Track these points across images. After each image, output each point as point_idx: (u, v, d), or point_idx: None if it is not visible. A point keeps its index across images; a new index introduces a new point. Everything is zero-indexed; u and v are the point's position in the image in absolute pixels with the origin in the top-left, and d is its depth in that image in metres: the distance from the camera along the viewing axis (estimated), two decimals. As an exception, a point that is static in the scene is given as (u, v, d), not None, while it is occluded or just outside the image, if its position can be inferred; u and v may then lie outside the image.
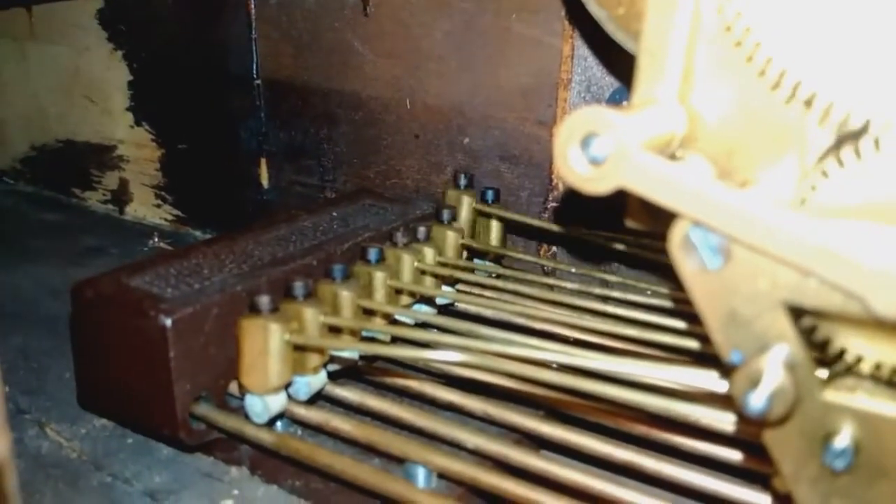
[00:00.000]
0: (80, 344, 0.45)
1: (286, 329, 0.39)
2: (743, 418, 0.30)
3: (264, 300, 0.39)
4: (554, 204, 0.59)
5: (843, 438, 0.28)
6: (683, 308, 0.43)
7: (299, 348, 0.40)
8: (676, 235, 0.29)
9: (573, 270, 0.51)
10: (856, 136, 0.28)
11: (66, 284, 0.51)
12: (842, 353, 0.29)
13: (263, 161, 0.75)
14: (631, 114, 0.31)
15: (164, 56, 0.78)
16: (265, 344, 0.39)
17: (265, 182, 0.75)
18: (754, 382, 0.27)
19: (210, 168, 0.79)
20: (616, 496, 0.36)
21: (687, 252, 0.29)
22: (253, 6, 0.70)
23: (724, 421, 0.36)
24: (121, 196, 0.87)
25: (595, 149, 0.29)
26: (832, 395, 0.28)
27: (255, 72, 0.72)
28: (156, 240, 0.80)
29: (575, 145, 0.29)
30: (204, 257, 0.48)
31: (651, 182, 0.28)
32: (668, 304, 0.45)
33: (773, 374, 0.27)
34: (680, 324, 0.42)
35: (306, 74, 0.69)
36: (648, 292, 0.48)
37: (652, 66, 0.33)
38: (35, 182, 0.93)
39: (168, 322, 0.40)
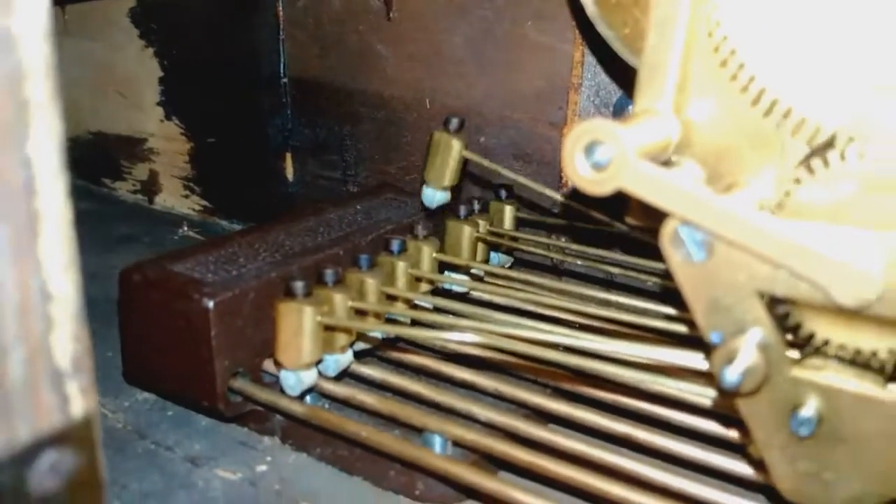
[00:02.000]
0: (128, 324, 0.49)
1: (318, 311, 0.44)
2: (721, 392, 0.34)
3: (299, 285, 0.44)
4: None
5: (808, 409, 0.32)
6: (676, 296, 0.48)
7: (329, 329, 0.44)
8: (667, 231, 0.33)
9: (579, 263, 0.55)
10: (824, 148, 0.32)
11: (103, 269, 0.56)
12: (811, 337, 0.33)
13: (289, 156, 0.79)
14: (631, 123, 0.35)
15: (195, 54, 0.83)
16: (299, 325, 0.43)
17: (290, 175, 0.79)
18: (730, 360, 0.31)
19: (237, 161, 0.83)
20: (613, 463, 0.40)
21: (675, 246, 0.33)
22: (281, 9, 0.74)
23: (708, 396, 0.40)
24: (150, 187, 0.91)
25: (598, 155, 0.33)
26: (799, 372, 0.32)
27: (282, 71, 0.76)
28: (185, 228, 0.84)
29: (580, 152, 0.33)
30: (239, 247, 0.52)
31: (646, 186, 0.32)
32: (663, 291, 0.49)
33: (747, 353, 0.31)
34: (672, 310, 0.46)
35: (331, 74, 0.73)
36: (649, 283, 0.52)
37: (651, 80, 0.37)
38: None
39: (210, 304, 0.45)
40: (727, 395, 0.33)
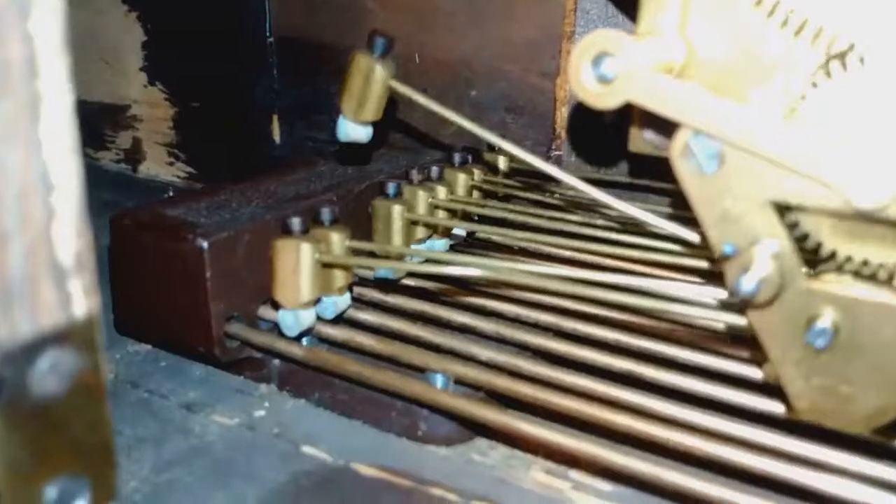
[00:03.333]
0: (118, 271, 0.48)
1: (316, 248, 0.43)
2: (735, 303, 0.34)
3: (296, 222, 0.43)
4: (557, 153, 0.63)
5: (824, 320, 0.31)
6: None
7: (327, 266, 0.43)
8: (678, 144, 0.32)
9: (576, 208, 0.54)
10: (842, 54, 0.31)
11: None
12: (819, 248, 0.32)
13: (275, 118, 0.78)
14: (638, 41, 0.34)
15: (179, 16, 0.81)
16: (297, 262, 0.42)
17: (277, 138, 0.78)
18: (745, 269, 0.31)
19: (223, 126, 0.82)
20: (618, 397, 0.40)
21: (686, 159, 0.32)
22: (266, -34, 0.73)
23: (719, 320, 0.39)
24: (134, 155, 0.90)
25: (605, 67, 0.32)
26: (814, 284, 0.32)
27: (268, 30, 0.75)
28: (170, 195, 0.83)
29: (587, 62, 0.32)
30: (231, 194, 0.51)
31: (657, 97, 0.32)
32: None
33: (761, 262, 0.31)
34: (674, 246, 0.45)
35: (318, 32, 0.72)
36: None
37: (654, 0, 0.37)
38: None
39: (205, 244, 0.44)
40: (742, 306, 0.33)
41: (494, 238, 0.53)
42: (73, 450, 0.24)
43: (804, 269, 0.32)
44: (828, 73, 0.30)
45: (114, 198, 0.82)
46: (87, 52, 0.90)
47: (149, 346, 0.52)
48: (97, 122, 0.91)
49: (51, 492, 0.24)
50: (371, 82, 0.47)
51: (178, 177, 0.86)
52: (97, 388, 0.25)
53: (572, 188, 0.54)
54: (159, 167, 0.88)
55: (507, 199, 0.58)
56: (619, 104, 0.32)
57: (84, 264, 0.24)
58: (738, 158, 0.31)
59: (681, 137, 0.32)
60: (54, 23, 0.22)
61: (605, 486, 0.40)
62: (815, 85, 0.31)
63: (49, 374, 0.23)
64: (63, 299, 0.23)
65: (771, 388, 0.38)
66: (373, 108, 0.47)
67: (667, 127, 0.34)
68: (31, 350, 0.23)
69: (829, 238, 0.32)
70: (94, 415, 0.25)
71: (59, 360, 0.23)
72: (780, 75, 0.34)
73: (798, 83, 0.33)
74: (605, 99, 0.32)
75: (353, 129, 0.48)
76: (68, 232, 0.23)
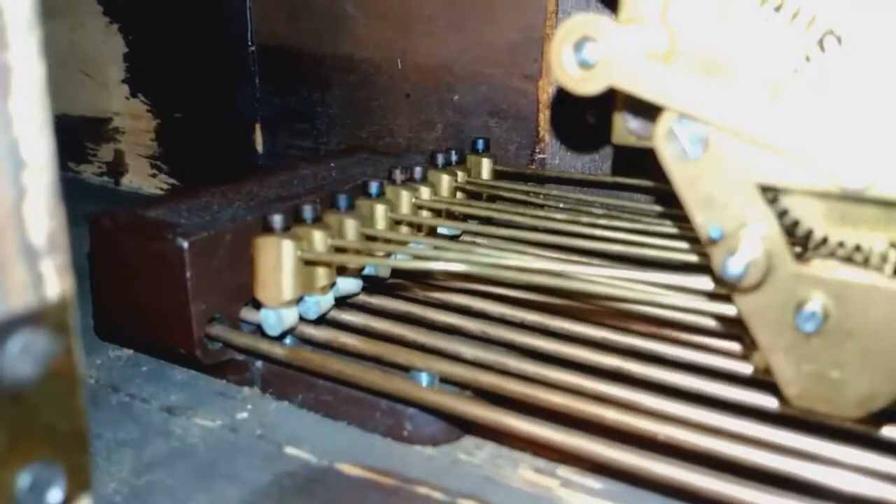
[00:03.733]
0: (98, 274, 0.47)
1: (298, 246, 0.42)
2: (722, 286, 0.33)
3: (277, 219, 0.42)
4: (541, 156, 0.63)
5: (814, 304, 0.31)
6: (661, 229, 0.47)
7: (309, 265, 0.43)
8: (661, 128, 0.32)
9: (561, 205, 0.54)
10: (821, 37, 0.31)
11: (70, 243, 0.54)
12: (809, 235, 0.32)
13: (258, 127, 0.77)
14: (620, 26, 0.34)
15: (160, 26, 0.81)
16: (278, 259, 0.42)
17: (260, 147, 0.78)
18: (732, 252, 0.30)
19: (205, 136, 0.81)
20: (606, 392, 0.39)
21: (670, 143, 0.32)
22: (248, -25, 0.73)
23: (704, 312, 0.39)
24: (116, 167, 0.89)
25: (587, 52, 0.32)
26: (803, 267, 0.31)
27: (249, 38, 0.75)
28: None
29: (569, 47, 0.32)
30: (212, 196, 0.51)
31: (640, 80, 0.32)
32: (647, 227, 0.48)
33: (749, 245, 0.30)
34: (659, 241, 0.45)
35: (300, 39, 0.72)
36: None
37: (636, -12, 0.37)
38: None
39: (185, 244, 0.43)
40: (729, 289, 0.32)
41: (480, 238, 0.52)
42: (47, 436, 0.24)
43: (792, 253, 0.31)
44: (807, 58, 0.30)
45: (96, 209, 0.80)
46: (68, 66, 0.89)
47: (130, 352, 0.51)
48: (79, 136, 0.91)
49: (24, 479, 0.23)
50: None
51: (161, 189, 0.86)
52: (70, 373, 0.24)
53: (557, 188, 0.54)
54: (142, 179, 0.87)
55: (491, 200, 0.57)
56: (602, 89, 0.32)
57: (57, 245, 0.23)
58: (723, 141, 0.31)
59: (664, 122, 0.32)
60: (25, -7, 0.21)
61: (595, 483, 0.39)
62: (796, 71, 0.30)
63: (20, 357, 0.22)
64: (35, 280, 0.23)
65: (760, 382, 0.38)
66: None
67: (651, 114, 0.33)
68: (2, 331, 0.22)
69: (821, 224, 0.32)
70: (67, 400, 0.24)
71: (31, 342, 0.23)
72: (763, 61, 0.34)
73: (781, 67, 0.32)
74: (586, 84, 0.32)
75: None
76: (40, 211, 0.23)
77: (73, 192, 0.87)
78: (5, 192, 0.22)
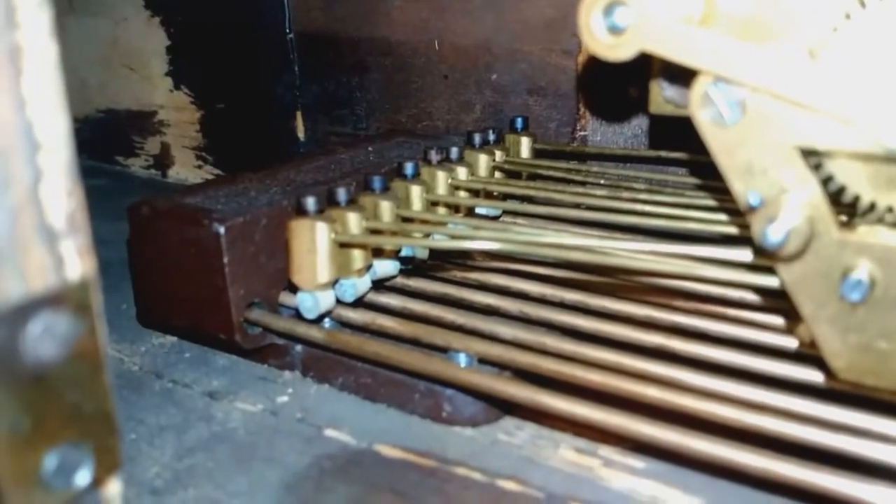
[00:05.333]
0: (138, 261, 0.48)
1: (332, 228, 0.42)
2: (763, 256, 0.32)
3: (311, 201, 0.42)
4: (582, 133, 0.61)
5: (860, 272, 0.30)
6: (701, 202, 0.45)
7: (344, 247, 0.43)
8: (696, 93, 0.31)
9: (602, 182, 0.53)
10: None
11: (116, 235, 0.54)
12: (857, 201, 0.31)
13: (299, 114, 0.77)
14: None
15: (200, 18, 0.81)
16: (313, 242, 0.42)
17: (301, 135, 0.78)
18: (772, 219, 0.29)
19: (248, 125, 0.81)
20: (648, 370, 0.38)
21: (706, 109, 0.31)
22: (283, -38, 0.73)
23: (747, 284, 0.38)
24: (163, 160, 0.90)
25: (617, 17, 0.31)
26: (848, 234, 0.30)
27: (287, 26, 0.75)
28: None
29: (598, 12, 0.31)
30: (250, 182, 0.51)
31: (673, 44, 0.31)
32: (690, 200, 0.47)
33: (790, 211, 0.29)
34: (701, 214, 0.44)
35: (337, 25, 0.72)
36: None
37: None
38: (78, 153, 0.96)
39: (221, 229, 0.43)
40: (770, 260, 0.31)
41: (519, 219, 0.51)
42: (73, 418, 0.24)
43: (837, 220, 0.30)
44: (847, 15, 0.29)
45: (143, 201, 0.82)
46: (112, 61, 0.90)
47: (174, 339, 0.51)
48: (125, 130, 0.92)
49: (51, 460, 0.23)
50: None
51: (207, 179, 0.86)
52: (95, 353, 0.24)
53: (598, 165, 0.53)
54: (188, 171, 0.88)
55: (531, 178, 0.56)
56: (633, 54, 0.31)
57: (77, 226, 0.23)
58: (761, 104, 0.30)
59: (699, 86, 0.31)
60: (34, -27, 0.21)
61: (637, 462, 0.39)
62: (835, 30, 0.29)
63: (43, 338, 0.22)
64: (55, 262, 0.23)
65: (805, 356, 0.36)
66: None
67: (687, 80, 0.32)
68: (22, 313, 0.22)
69: (868, 189, 0.31)
70: (92, 381, 0.24)
71: (53, 323, 0.23)
72: (802, 20, 0.32)
73: (821, 27, 0.31)
74: (617, 50, 0.31)
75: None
76: (57, 192, 0.23)
77: (121, 186, 0.89)
78: (21, 174, 0.21)
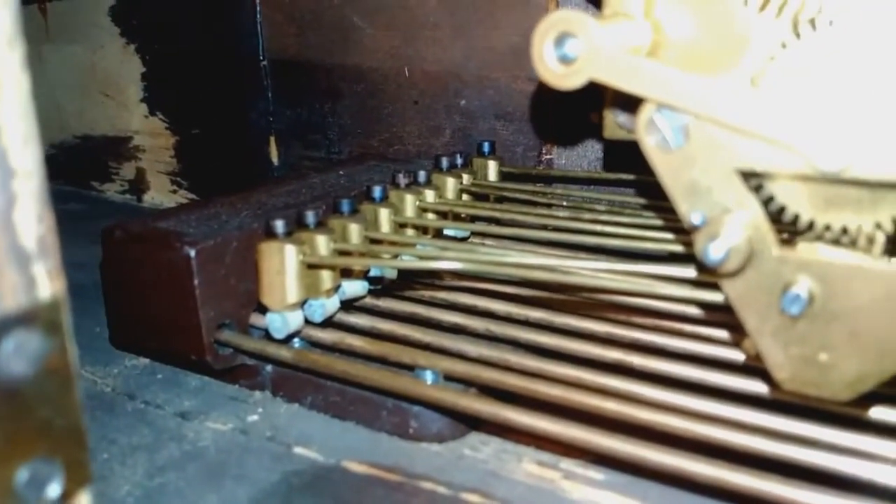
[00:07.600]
0: (111, 284, 0.49)
1: (300, 250, 0.43)
2: (706, 273, 0.34)
3: (279, 224, 0.43)
4: (548, 156, 0.63)
5: (799, 287, 0.31)
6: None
7: (313, 268, 0.44)
8: (642, 120, 0.32)
9: (564, 204, 0.54)
10: (812, 18, 0.31)
11: (91, 259, 0.55)
12: (796, 220, 0.32)
13: (273, 139, 0.79)
14: (601, 22, 0.34)
15: (175, 45, 0.83)
16: (281, 264, 0.43)
17: (275, 159, 0.79)
18: (713, 237, 0.31)
19: (222, 150, 0.83)
20: (608, 385, 0.39)
21: (652, 134, 0.32)
22: (257, -9, 0.74)
23: (695, 300, 0.39)
24: (138, 185, 0.91)
25: (567, 48, 0.33)
26: (787, 251, 0.32)
27: (261, 53, 0.76)
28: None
29: (549, 43, 0.32)
30: (222, 206, 0.52)
31: (620, 73, 0.32)
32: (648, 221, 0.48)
33: (730, 230, 0.31)
34: (657, 234, 0.45)
35: (310, 52, 0.73)
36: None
37: (620, -16, 0.37)
38: (55, 178, 0.97)
39: (192, 252, 0.44)
40: (713, 276, 0.33)
41: (487, 240, 0.53)
42: (44, 433, 0.25)
43: (777, 238, 0.32)
44: (797, 35, 0.31)
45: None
46: (89, 88, 0.91)
47: (147, 361, 0.52)
48: (101, 155, 0.93)
49: (23, 474, 0.24)
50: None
51: (181, 204, 0.87)
52: (65, 370, 0.25)
53: (562, 188, 0.55)
54: (163, 196, 0.89)
55: (498, 201, 0.58)
56: (582, 83, 0.33)
57: (47, 249, 0.24)
58: (703, 130, 0.31)
59: (645, 113, 0.32)
60: (5, 11, 0.22)
61: (597, 474, 0.40)
62: (784, 45, 0.31)
63: (15, 355, 0.23)
64: (27, 282, 0.24)
65: (753, 369, 0.38)
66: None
67: (636, 107, 0.34)
68: (-5, 331, 0.23)
69: (807, 208, 0.32)
70: (62, 397, 0.25)
71: (25, 341, 0.24)
72: (747, 53, 0.34)
73: (763, 57, 0.33)
74: (567, 79, 0.33)
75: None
76: (30, 217, 0.24)
77: (96, 210, 0.90)
78: (-5, 198, 0.23)
